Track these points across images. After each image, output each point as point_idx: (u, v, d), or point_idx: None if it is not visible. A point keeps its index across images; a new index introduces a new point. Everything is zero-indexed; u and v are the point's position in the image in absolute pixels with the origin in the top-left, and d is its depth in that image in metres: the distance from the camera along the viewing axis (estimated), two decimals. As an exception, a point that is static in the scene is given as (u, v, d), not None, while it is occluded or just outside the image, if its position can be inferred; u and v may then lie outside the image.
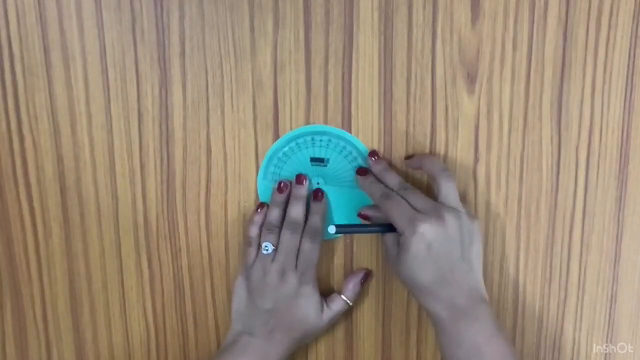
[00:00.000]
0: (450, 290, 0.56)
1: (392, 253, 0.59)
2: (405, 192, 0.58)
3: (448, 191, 0.57)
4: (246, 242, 0.62)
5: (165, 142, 0.62)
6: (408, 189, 0.58)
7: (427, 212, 0.56)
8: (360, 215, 0.62)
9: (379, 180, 0.61)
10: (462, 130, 0.62)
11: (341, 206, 0.63)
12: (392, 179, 0.60)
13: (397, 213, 0.56)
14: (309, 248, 0.61)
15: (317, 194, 0.62)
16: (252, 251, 0.62)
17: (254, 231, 0.62)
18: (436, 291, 0.56)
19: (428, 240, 0.55)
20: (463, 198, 0.63)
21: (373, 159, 0.61)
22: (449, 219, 0.55)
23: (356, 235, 0.64)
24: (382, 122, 0.62)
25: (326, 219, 0.63)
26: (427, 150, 0.62)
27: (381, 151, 0.62)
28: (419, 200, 0.57)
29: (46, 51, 0.60)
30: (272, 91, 0.61)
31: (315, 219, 0.61)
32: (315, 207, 0.62)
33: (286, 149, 0.62)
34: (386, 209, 0.57)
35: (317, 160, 0.63)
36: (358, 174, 0.61)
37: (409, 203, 0.57)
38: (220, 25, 0.60)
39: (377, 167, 0.61)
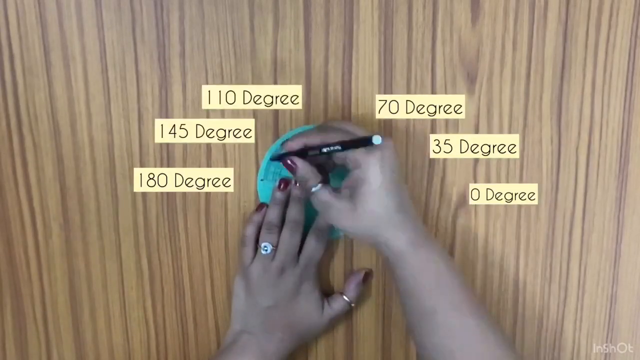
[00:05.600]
0: (408, 215, 0.55)
1: (337, 204, 0.55)
2: (341, 125, 0.57)
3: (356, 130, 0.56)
4: (242, 241, 0.62)
5: (165, 142, 0.62)
6: (342, 122, 0.57)
7: None
8: (286, 156, 0.57)
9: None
10: (462, 130, 0.62)
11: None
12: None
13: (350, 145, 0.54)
14: (314, 246, 0.61)
15: None
16: (248, 251, 0.62)
17: (250, 230, 0.62)
18: (398, 219, 0.54)
19: (388, 162, 0.53)
20: (463, 199, 0.63)
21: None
22: (390, 142, 0.54)
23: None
24: (382, 122, 0.62)
25: None
26: (427, 151, 0.62)
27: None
28: (357, 129, 0.56)
29: (46, 51, 0.60)
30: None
31: (324, 219, 0.61)
32: None
33: (286, 149, 0.62)
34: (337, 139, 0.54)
35: (317, 160, 0.62)
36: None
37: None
38: (220, 25, 0.60)
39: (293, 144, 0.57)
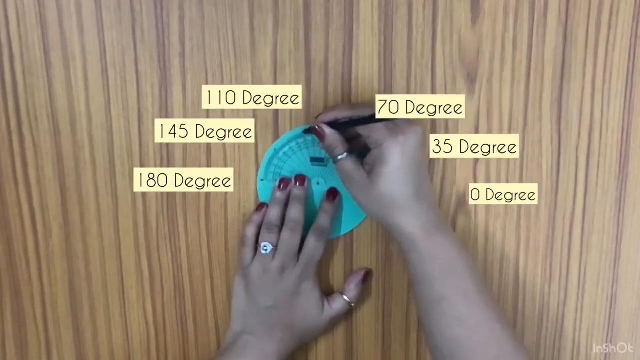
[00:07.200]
0: (425, 202, 0.55)
1: (357, 176, 0.56)
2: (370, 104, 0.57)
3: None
4: (242, 241, 0.62)
5: (165, 142, 0.62)
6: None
7: (399, 123, 0.55)
8: (315, 128, 0.58)
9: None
10: (462, 130, 0.62)
11: (341, 206, 0.63)
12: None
13: (375, 127, 0.54)
14: (314, 246, 0.61)
15: (330, 194, 0.62)
16: (248, 251, 0.62)
17: (250, 231, 0.62)
18: (413, 205, 0.54)
19: (410, 148, 0.54)
20: (463, 199, 0.63)
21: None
22: (419, 128, 0.55)
23: (356, 235, 0.64)
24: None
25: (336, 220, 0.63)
26: (427, 151, 0.62)
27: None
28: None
29: (46, 51, 0.60)
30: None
31: (324, 218, 0.61)
32: (327, 206, 0.62)
33: (286, 149, 0.62)
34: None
35: (317, 160, 0.63)
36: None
37: None
38: (220, 25, 0.60)
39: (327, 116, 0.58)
